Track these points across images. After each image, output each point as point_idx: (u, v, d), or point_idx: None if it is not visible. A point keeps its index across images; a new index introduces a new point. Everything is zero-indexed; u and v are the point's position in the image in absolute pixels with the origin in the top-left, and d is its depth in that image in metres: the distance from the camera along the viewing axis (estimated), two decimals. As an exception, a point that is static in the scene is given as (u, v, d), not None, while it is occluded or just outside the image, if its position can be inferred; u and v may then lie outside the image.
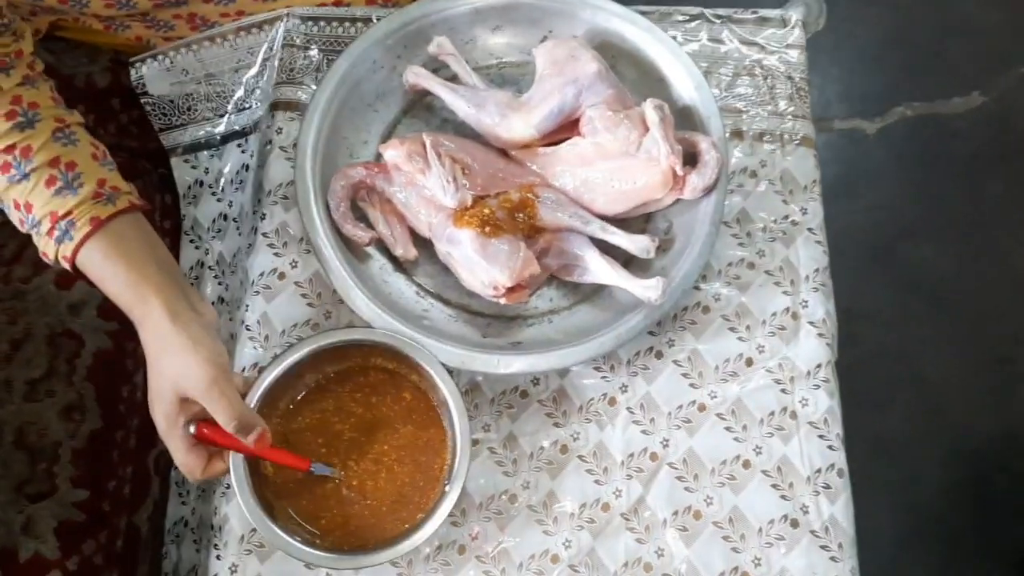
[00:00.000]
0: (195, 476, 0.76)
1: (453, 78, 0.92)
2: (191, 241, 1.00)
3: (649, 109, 0.83)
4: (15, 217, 0.80)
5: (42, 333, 0.92)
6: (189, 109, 1.00)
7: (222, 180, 0.99)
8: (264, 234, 0.90)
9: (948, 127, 1.73)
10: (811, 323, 0.86)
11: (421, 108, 0.94)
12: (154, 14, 1.01)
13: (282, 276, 0.88)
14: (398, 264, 0.88)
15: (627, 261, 0.85)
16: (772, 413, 0.83)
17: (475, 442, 0.82)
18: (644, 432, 0.83)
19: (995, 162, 1.69)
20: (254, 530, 0.78)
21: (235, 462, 0.76)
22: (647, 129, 0.84)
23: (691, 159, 0.84)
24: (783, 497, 0.81)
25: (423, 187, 0.84)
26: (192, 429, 0.75)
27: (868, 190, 1.65)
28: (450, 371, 0.79)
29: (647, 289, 0.80)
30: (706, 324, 0.86)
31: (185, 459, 0.76)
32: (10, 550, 0.83)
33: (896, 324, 1.58)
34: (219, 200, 1.00)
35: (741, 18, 0.97)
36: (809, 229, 0.89)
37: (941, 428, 1.52)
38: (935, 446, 1.50)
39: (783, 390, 0.84)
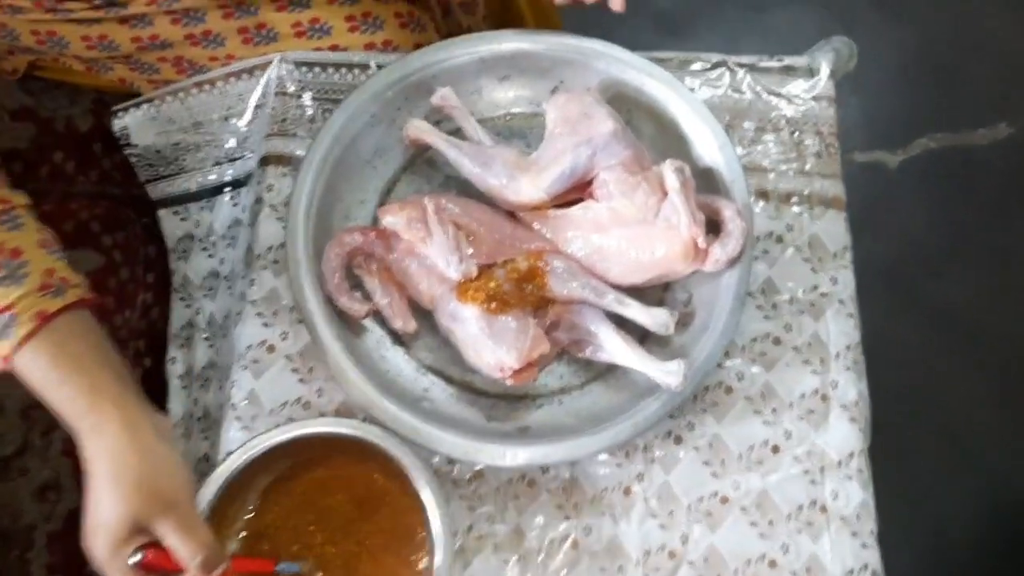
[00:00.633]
0: None
1: (457, 131, 0.86)
2: (181, 299, 0.94)
3: (669, 172, 0.77)
4: None
5: (15, 407, 0.86)
6: (177, 159, 0.94)
7: (213, 235, 0.93)
8: (252, 302, 0.83)
9: (974, 159, 1.65)
10: (843, 406, 0.79)
11: (422, 163, 0.88)
12: (138, 56, 0.95)
13: (271, 349, 0.82)
14: (397, 337, 0.81)
15: (644, 335, 0.79)
16: (800, 507, 0.77)
17: (479, 537, 0.76)
18: (662, 527, 0.77)
19: (1023, 195, 1.62)
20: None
21: None
22: (666, 193, 0.78)
23: (713, 226, 0.78)
24: (812, 599, 0.75)
25: (424, 256, 0.78)
26: (136, 559, 0.65)
27: (890, 225, 1.58)
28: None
29: (667, 374, 0.73)
30: (728, 406, 0.80)
31: None
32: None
33: (921, 365, 1.51)
34: (210, 256, 0.93)
35: (766, 67, 0.90)
36: (840, 301, 0.82)
37: (971, 477, 1.45)
38: (964, 496, 1.44)
39: (812, 481, 0.77)
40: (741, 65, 0.90)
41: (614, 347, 0.77)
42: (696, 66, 0.90)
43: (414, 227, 0.78)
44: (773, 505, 0.77)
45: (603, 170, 0.80)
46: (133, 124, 0.92)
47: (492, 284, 0.77)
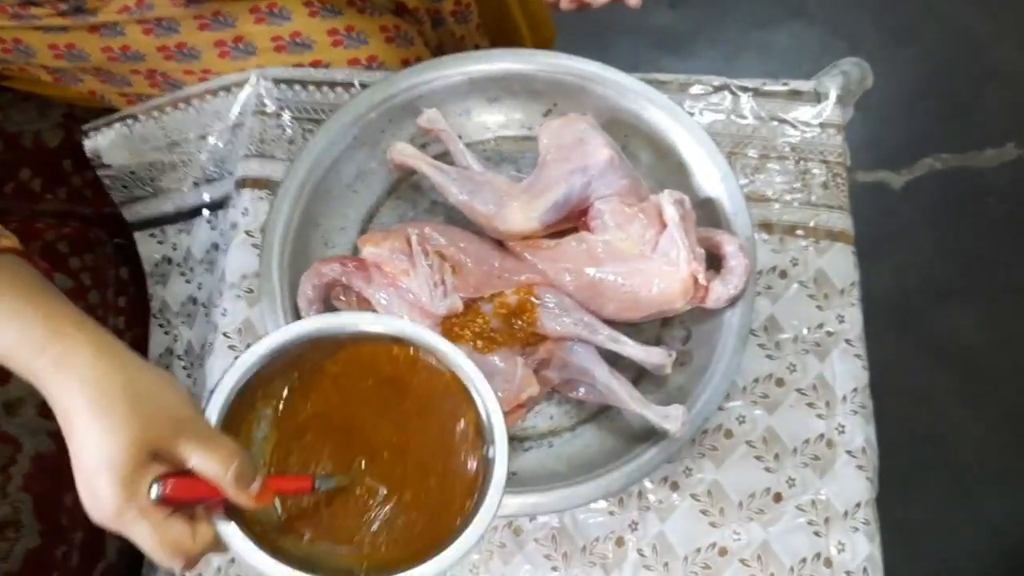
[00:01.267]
0: (187, 551, 0.53)
1: (444, 154, 0.82)
2: (160, 325, 0.90)
3: (668, 204, 0.72)
4: None
5: (-29, 442, 0.81)
6: (152, 180, 0.90)
7: (191, 260, 0.89)
8: (225, 334, 0.79)
9: (981, 181, 1.61)
10: (849, 452, 0.75)
11: (407, 188, 0.83)
12: (108, 68, 0.90)
13: (244, 384, 0.77)
14: (377, 374, 0.77)
15: (639, 374, 0.75)
16: (804, 560, 0.72)
17: (461, 590, 0.72)
18: (656, 580, 0.72)
19: (1031, 219, 1.58)
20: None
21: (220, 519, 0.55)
22: (664, 226, 0.73)
23: (713, 261, 0.73)
24: (815, 660, 0.70)
25: (407, 290, 0.73)
26: (157, 492, 0.52)
27: (894, 249, 1.53)
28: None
29: (665, 419, 0.69)
30: (728, 451, 0.75)
31: (166, 534, 0.52)
32: None
33: (926, 399, 1.46)
34: (188, 281, 0.89)
35: (770, 91, 0.86)
36: (847, 341, 0.78)
37: (976, 519, 1.40)
38: (968, 537, 1.39)
39: (816, 533, 0.73)
40: (744, 89, 0.85)
41: (609, 388, 0.72)
42: (697, 89, 0.86)
43: (397, 259, 0.73)
44: (775, 558, 0.73)
45: (598, 200, 0.75)
46: (105, 143, 0.88)
47: (479, 320, 0.73)
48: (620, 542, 0.73)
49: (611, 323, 0.75)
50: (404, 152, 0.80)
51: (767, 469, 0.75)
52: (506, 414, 0.69)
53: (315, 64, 0.89)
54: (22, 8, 0.81)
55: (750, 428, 0.76)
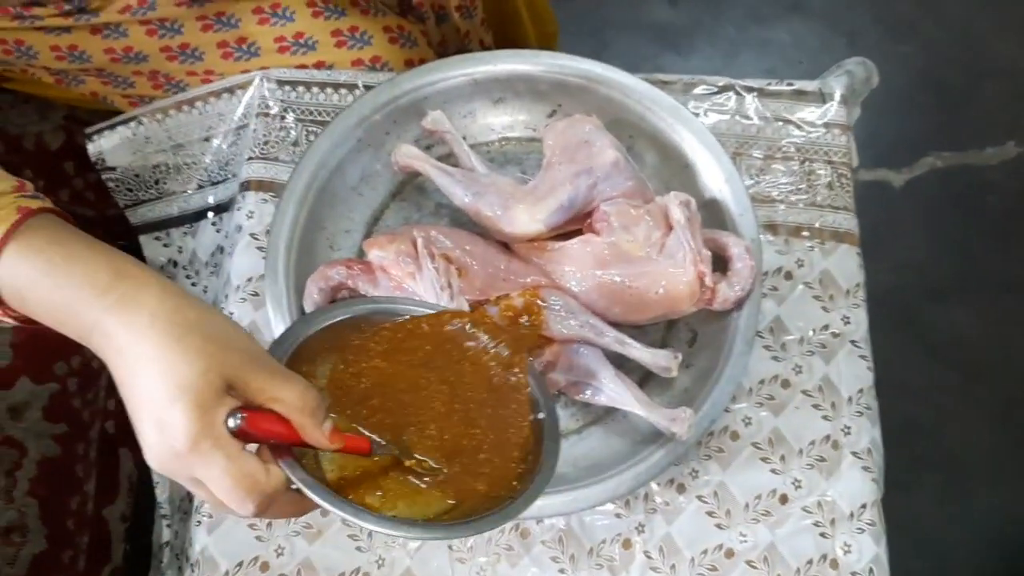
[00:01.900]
0: (263, 488, 0.51)
1: (449, 155, 0.81)
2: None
3: (674, 206, 0.72)
4: None
5: (-24, 447, 0.81)
6: (157, 183, 0.89)
7: (196, 263, 0.89)
8: (231, 337, 0.78)
9: (981, 179, 1.61)
10: (855, 454, 0.75)
11: (412, 190, 0.83)
12: (111, 69, 0.90)
13: (250, 388, 0.77)
14: (383, 377, 0.77)
15: (645, 376, 0.75)
16: (810, 561, 0.73)
17: (469, 593, 0.72)
18: (663, 582, 0.72)
19: (1031, 217, 1.58)
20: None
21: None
22: (670, 228, 0.73)
23: (719, 262, 0.74)
24: (822, 661, 0.71)
25: (413, 293, 0.73)
26: (235, 421, 0.50)
27: (894, 247, 1.54)
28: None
29: (672, 422, 0.69)
30: (734, 452, 0.75)
31: (243, 467, 0.50)
32: None
33: (925, 396, 1.47)
34: (194, 284, 0.89)
35: (775, 91, 0.85)
36: (852, 342, 0.78)
37: (973, 513, 1.41)
38: (966, 533, 1.40)
39: (823, 534, 0.73)
40: (749, 89, 0.85)
41: (615, 391, 0.72)
42: (701, 89, 0.86)
43: (403, 262, 0.73)
44: (781, 559, 0.73)
45: (604, 202, 0.75)
46: (109, 147, 0.87)
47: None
48: (627, 544, 0.73)
49: (617, 325, 0.74)
50: (409, 154, 0.79)
51: (773, 471, 0.75)
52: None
53: (319, 65, 0.89)
54: (25, 9, 0.80)
55: (756, 430, 0.76)
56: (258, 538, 0.73)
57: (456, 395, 0.62)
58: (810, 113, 0.85)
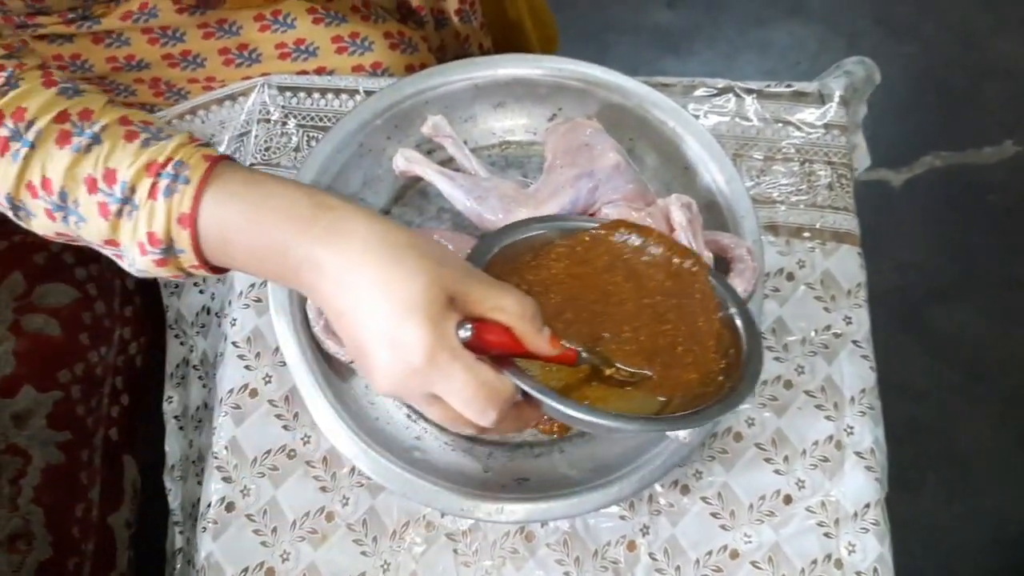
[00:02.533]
0: (502, 394, 0.51)
1: (450, 160, 0.82)
2: (176, 336, 0.90)
3: (675, 209, 0.72)
4: (92, 206, 0.54)
5: (-19, 455, 0.81)
6: (161, 189, 0.89)
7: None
8: (234, 343, 0.79)
9: (980, 178, 1.62)
10: (858, 454, 0.75)
11: (414, 194, 0.83)
12: (113, 78, 0.90)
13: (254, 393, 0.77)
14: (387, 381, 0.77)
15: (648, 378, 0.75)
16: (815, 561, 0.73)
17: (474, 596, 0.72)
18: (668, 584, 0.72)
19: (1030, 216, 1.59)
20: None
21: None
22: (672, 229, 0.73)
23: (721, 264, 0.74)
24: (828, 661, 0.71)
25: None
26: (467, 333, 0.51)
27: (894, 248, 1.54)
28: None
29: (674, 424, 0.69)
30: (738, 453, 0.76)
31: (481, 374, 0.50)
32: None
33: (928, 396, 1.47)
34: (201, 292, 0.89)
35: (774, 92, 0.86)
36: (854, 342, 0.78)
37: (978, 513, 1.41)
38: (972, 533, 1.40)
39: (827, 534, 0.73)
40: (749, 91, 0.85)
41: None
42: (701, 91, 0.86)
43: (405, 266, 0.73)
44: (786, 560, 0.73)
45: (605, 205, 0.75)
46: (110, 153, 0.87)
47: (488, 326, 0.73)
48: (632, 546, 0.73)
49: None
50: (410, 159, 0.80)
51: (777, 471, 0.75)
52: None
53: (319, 71, 0.89)
54: (29, 18, 0.80)
55: (759, 430, 0.76)
56: (263, 543, 0.73)
57: (643, 292, 0.63)
58: (809, 114, 0.85)
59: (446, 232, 0.77)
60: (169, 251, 0.55)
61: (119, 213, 0.54)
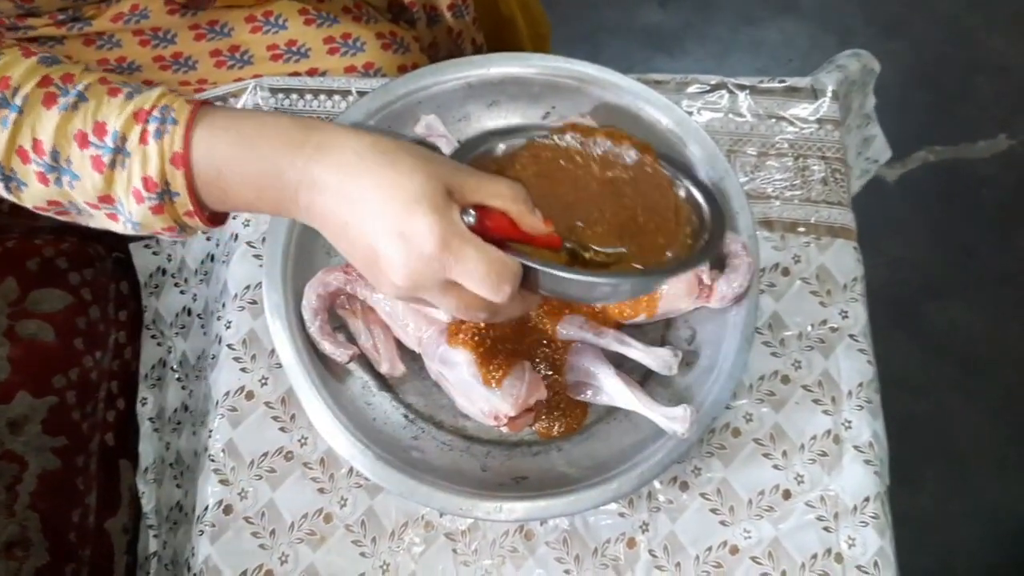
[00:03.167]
0: (513, 271, 0.53)
1: (444, 159, 0.81)
2: (152, 336, 0.89)
3: (670, 205, 0.72)
4: (84, 161, 0.55)
5: (-24, 461, 0.81)
6: (147, 191, 0.89)
7: (185, 271, 0.88)
8: (230, 346, 0.78)
9: (974, 173, 1.62)
10: (856, 447, 0.75)
11: (408, 194, 0.83)
12: (105, 81, 0.90)
13: (250, 396, 0.77)
14: (383, 381, 0.76)
15: (646, 375, 0.75)
16: (815, 556, 0.73)
17: (474, 596, 0.72)
18: (668, 580, 0.72)
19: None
20: None
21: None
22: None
23: (717, 261, 0.74)
24: (829, 655, 0.70)
25: (411, 297, 0.73)
26: (471, 218, 0.54)
27: (889, 243, 1.54)
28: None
29: (672, 420, 0.69)
30: (736, 449, 0.76)
31: (492, 255, 0.53)
32: None
33: (925, 391, 1.47)
34: (183, 292, 0.88)
35: (767, 88, 0.86)
36: (851, 336, 0.78)
37: (976, 506, 1.41)
38: (970, 527, 1.40)
39: (826, 528, 0.73)
40: (741, 87, 0.86)
41: (615, 391, 0.72)
42: (694, 88, 0.86)
43: (400, 265, 0.73)
44: (786, 554, 0.73)
45: (600, 202, 0.75)
46: (101, 156, 0.87)
47: (484, 325, 0.73)
48: (631, 543, 0.73)
49: (616, 326, 0.75)
50: (404, 159, 0.79)
51: (775, 466, 0.75)
52: (515, 419, 0.70)
53: (312, 72, 0.89)
54: (19, 19, 0.80)
55: (757, 426, 0.76)
56: (262, 546, 0.73)
57: (602, 178, 0.66)
58: (803, 110, 0.85)
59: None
60: (165, 195, 0.56)
61: (112, 164, 0.55)
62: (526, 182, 0.62)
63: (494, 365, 0.70)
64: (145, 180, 0.55)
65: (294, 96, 0.86)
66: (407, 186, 0.51)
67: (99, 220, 0.60)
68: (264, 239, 0.77)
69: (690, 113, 0.82)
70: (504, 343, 0.72)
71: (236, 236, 0.82)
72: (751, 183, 0.83)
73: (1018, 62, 1.69)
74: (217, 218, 0.60)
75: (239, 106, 0.86)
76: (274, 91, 0.86)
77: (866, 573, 0.72)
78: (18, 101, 0.55)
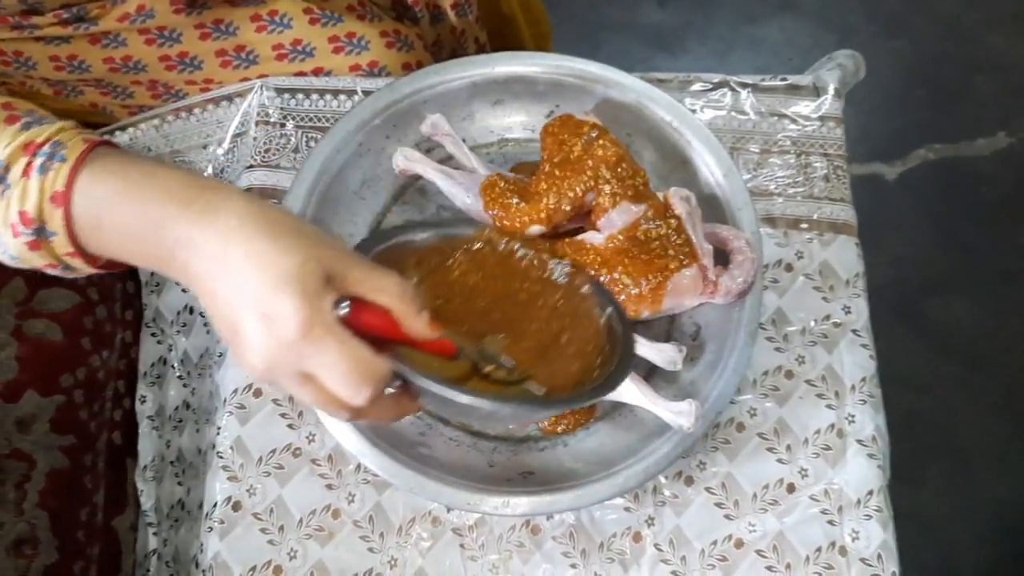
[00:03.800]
0: (376, 372, 0.50)
1: (449, 158, 0.82)
2: (152, 334, 0.89)
3: (676, 202, 0.73)
4: None
5: (-15, 458, 0.81)
6: (154, 190, 0.89)
7: (189, 268, 0.89)
8: (237, 343, 0.79)
9: (974, 170, 1.63)
10: (859, 441, 0.76)
11: (414, 192, 0.84)
12: (110, 79, 0.90)
13: (258, 393, 0.77)
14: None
15: (650, 370, 0.76)
16: (819, 549, 0.73)
17: (482, 590, 0.72)
18: (674, 573, 0.73)
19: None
20: None
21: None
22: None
23: (721, 257, 0.74)
24: (834, 648, 0.71)
25: (417, 294, 0.74)
26: (344, 310, 0.50)
27: (890, 241, 1.55)
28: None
29: (678, 415, 0.69)
30: (741, 443, 0.76)
31: (356, 351, 0.49)
32: None
33: (927, 388, 1.48)
34: (184, 291, 0.89)
35: (769, 86, 0.86)
36: (854, 331, 0.79)
37: (979, 503, 1.41)
38: (972, 523, 1.40)
39: (830, 522, 0.74)
40: (744, 85, 0.86)
41: (620, 386, 0.73)
42: (697, 86, 0.87)
43: (407, 263, 0.73)
44: (790, 547, 0.73)
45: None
46: (107, 155, 0.87)
47: (490, 322, 0.73)
48: (637, 537, 0.74)
49: (621, 321, 0.75)
50: (409, 158, 0.80)
51: (780, 460, 0.76)
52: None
53: (317, 72, 0.89)
54: (23, 17, 0.80)
55: (761, 420, 0.77)
56: (270, 542, 0.73)
57: (535, 290, 0.65)
58: (805, 107, 0.86)
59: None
60: (41, 232, 0.54)
61: None
62: (451, 279, 0.61)
63: None
64: (22, 215, 0.53)
65: (300, 96, 0.86)
66: (280, 264, 0.48)
67: None
68: (271, 237, 0.78)
69: (693, 111, 0.83)
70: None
71: (243, 235, 0.82)
72: (754, 180, 0.84)
73: (1018, 61, 1.70)
74: (107, 262, 0.57)
75: (245, 106, 0.87)
76: (280, 91, 0.86)
77: (870, 566, 0.72)
78: None
